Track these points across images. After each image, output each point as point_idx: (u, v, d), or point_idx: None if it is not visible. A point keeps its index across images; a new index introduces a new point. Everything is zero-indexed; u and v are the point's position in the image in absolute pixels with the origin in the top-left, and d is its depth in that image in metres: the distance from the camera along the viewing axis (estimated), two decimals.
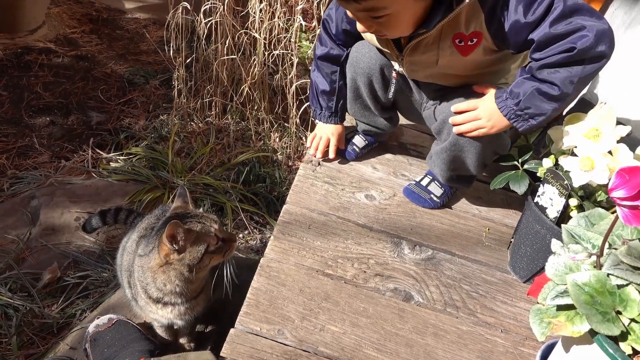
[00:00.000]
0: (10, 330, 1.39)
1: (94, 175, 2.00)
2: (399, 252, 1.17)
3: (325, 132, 1.41)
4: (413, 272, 1.14)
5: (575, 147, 1.01)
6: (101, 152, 2.15)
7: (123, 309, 1.36)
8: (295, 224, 1.16)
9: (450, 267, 1.18)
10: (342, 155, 1.44)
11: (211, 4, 2.19)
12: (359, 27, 1.08)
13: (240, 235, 1.95)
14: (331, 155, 1.41)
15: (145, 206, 1.85)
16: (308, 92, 2.28)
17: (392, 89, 1.30)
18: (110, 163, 2.11)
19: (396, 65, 1.25)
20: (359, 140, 1.48)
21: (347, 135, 1.48)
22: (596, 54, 0.95)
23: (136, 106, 2.51)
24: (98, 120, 2.35)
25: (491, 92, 1.11)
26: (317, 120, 1.45)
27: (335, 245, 1.14)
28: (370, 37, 1.21)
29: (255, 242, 1.96)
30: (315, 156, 1.40)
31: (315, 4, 2.25)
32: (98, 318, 1.25)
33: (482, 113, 1.09)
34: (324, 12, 2.19)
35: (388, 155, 1.49)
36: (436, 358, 0.97)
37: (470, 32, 1.04)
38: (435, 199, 1.33)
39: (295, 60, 2.19)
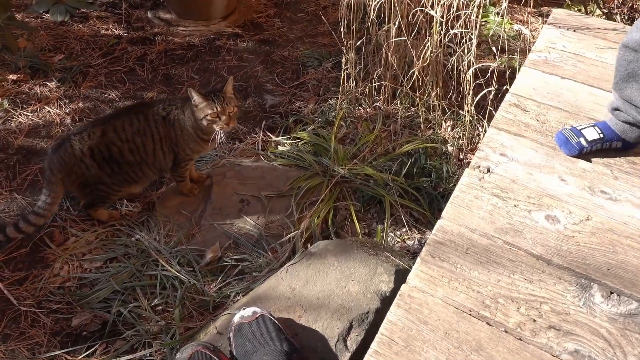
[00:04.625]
0: (175, 301, 1.52)
1: (262, 158, 2.07)
2: (586, 300, 0.90)
3: None
4: (605, 331, 0.85)
5: None
6: (271, 135, 2.21)
7: (269, 301, 1.36)
8: (450, 246, 0.97)
9: None
10: (561, 146, 1.17)
11: None
12: None
13: (397, 233, 1.82)
14: None
15: (303, 194, 1.84)
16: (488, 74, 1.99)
17: None
18: (278, 146, 2.17)
19: None
20: (590, 132, 1.18)
21: (577, 124, 1.20)
22: None
23: (307, 89, 2.53)
24: (272, 104, 2.43)
25: None
26: None
27: (497, 279, 0.92)
28: None
29: (412, 242, 1.80)
30: None
31: None
32: (244, 309, 1.27)
33: None
34: None
35: (583, 164, 1.17)
36: None
37: None
38: None
39: (475, 41, 1.91)
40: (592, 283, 0.93)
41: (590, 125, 1.20)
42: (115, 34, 2.81)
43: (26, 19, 2.82)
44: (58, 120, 2.19)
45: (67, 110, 2.25)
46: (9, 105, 2.21)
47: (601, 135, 1.17)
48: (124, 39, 2.77)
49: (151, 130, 1.61)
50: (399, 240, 1.80)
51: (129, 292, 1.55)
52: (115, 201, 1.82)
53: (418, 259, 0.95)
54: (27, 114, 2.20)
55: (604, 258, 0.97)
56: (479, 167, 1.14)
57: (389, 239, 1.80)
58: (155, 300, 1.53)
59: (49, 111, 2.23)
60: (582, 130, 1.19)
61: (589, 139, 1.17)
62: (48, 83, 2.38)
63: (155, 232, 1.72)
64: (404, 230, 1.82)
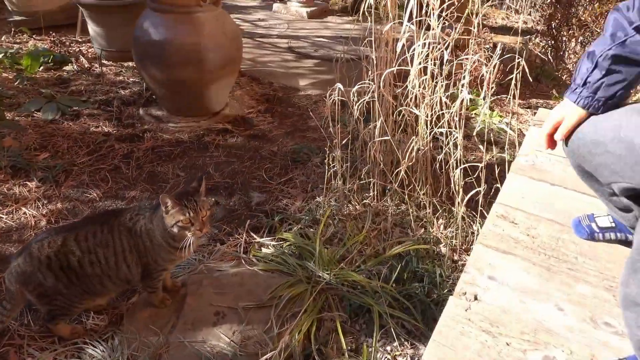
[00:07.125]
0: None
1: (243, 261, 1.95)
2: None
3: (564, 112, 1.02)
4: None
5: None
6: (254, 236, 2.11)
7: None
8: None
9: None
10: (573, 228, 1.15)
11: (368, 82, 2.04)
12: None
13: (388, 349, 1.64)
14: (558, 136, 1.02)
15: (284, 304, 1.69)
16: (477, 168, 1.92)
17: None
18: (262, 248, 2.05)
19: None
20: (603, 220, 1.15)
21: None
22: None
23: (295, 185, 2.47)
24: (258, 201, 2.35)
25: None
26: (566, 97, 1.05)
27: None
28: None
29: (405, 359, 1.62)
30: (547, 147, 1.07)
31: (490, 69, 1.89)
32: None
33: None
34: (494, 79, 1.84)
35: (581, 287, 1.05)
36: None
37: None
38: None
39: (461, 140, 1.86)
40: None
41: (606, 215, 1.20)
42: (105, 131, 2.82)
43: (17, 118, 2.84)
44: (33, 223, 2.10)
45: (44, 212, 2.17)
46: None
47: (613, 225, 1.16)
48: (112, 136, 2.77)
49: (114, 243, 1.51)
50: (389, 357, 1.62)
51: None
52: (78, 314, 1.67)
53: None
54: (1, 216, 2.12)
55: None
56: (465, 293, 1.02)
57: (378, 355, 1.62)
58: None
59: (25, 212, 2.15)
60: (596, 218, 1.19)
61: (600, 226, 1.17)
62: (28, 183, 2.33)
63: (119, 352, 1.56)
64: (395, 344, 1.65)
